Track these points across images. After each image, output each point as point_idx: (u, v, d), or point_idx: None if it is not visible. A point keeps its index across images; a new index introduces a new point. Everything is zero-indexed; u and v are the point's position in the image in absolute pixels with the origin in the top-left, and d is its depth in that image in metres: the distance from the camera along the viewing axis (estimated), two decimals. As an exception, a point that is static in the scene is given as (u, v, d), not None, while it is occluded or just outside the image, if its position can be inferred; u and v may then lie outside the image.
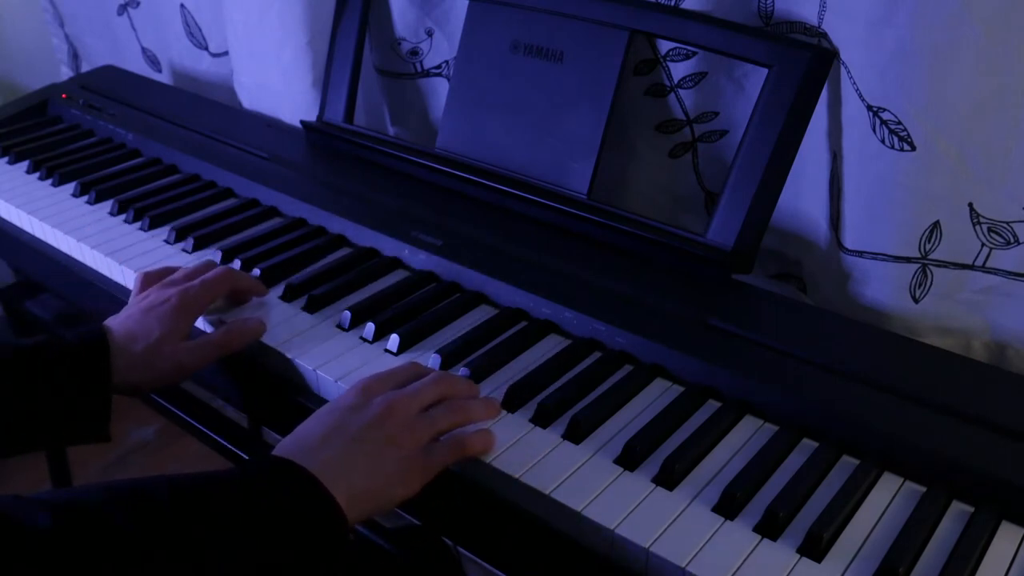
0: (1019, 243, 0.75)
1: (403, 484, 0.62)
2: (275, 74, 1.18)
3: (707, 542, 0.58)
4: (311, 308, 0.82)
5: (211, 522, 0.55)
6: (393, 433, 0.63)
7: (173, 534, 0.53)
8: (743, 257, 0.80)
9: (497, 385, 0.72)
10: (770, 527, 0.59)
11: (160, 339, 0.75)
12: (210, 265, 0.84)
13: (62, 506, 0.52)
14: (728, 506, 0.60)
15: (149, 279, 0.82)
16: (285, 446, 0.63)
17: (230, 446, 1.01)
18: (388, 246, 0.90)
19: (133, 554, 0.51)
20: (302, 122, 1.11)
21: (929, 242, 0.78)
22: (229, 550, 0.54)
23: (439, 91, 1.12)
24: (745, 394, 0.70)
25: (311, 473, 0.59)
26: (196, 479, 0.58)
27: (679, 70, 0.90)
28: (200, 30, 1.35)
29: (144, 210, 0.99)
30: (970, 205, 0.75)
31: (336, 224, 0.94)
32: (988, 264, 0.78)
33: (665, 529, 0.59)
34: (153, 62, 1.49)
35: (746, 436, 0.67)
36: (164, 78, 1.48)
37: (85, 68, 1.63)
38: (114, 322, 0.77)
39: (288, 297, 0.84)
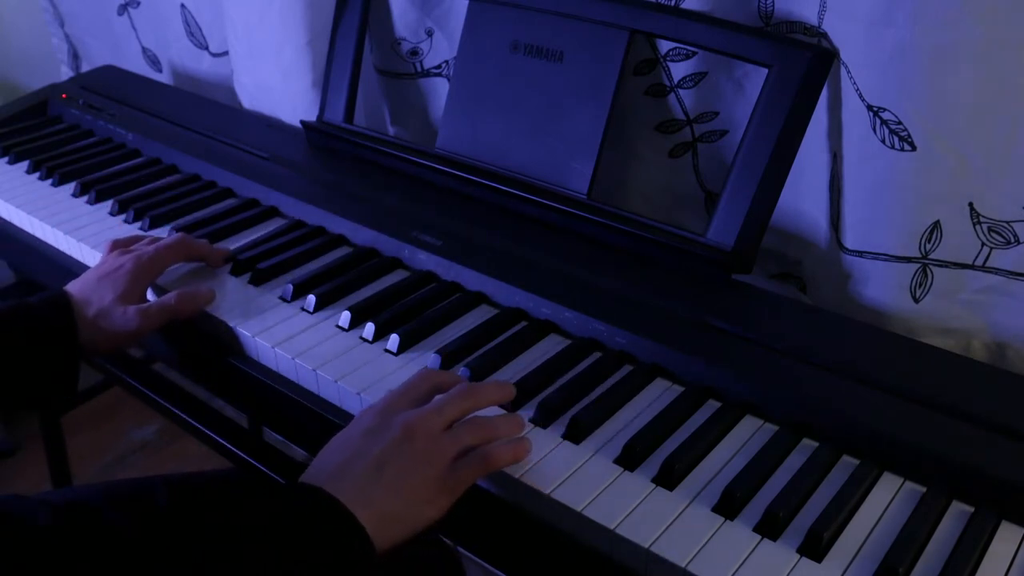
0: (1019, 243, 0.75)
1: (431, 504, 0.60)
2: (275, 74, 1.18)
3: (707, 542, 0.58)
4: (310, 308, 0.82)
5: (215, 528, 0.54)
6: (417, 453, 0.60)
7: (172, 535, 0.53)
8: (743, 257, 0.80)
9: (497, 385, 0.72)
10: (770, 527, 0.59)
11: (112, 303, 0.78)
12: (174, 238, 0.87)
13: (62, 506, 0.52)
14: (728, 506, 0.60)
15: (117, 246, 0.87)
16: (305, 478, 0.60)
17: (230, 446, 1.01)
18: (388, 246, 0.90)
19: (132, 554, 0.51)
20: (302, 122, 1.11)
21: (929, 242, 0.78)
22: (232, 557, 0.54)
23: (439, 91, 1.12)
24: (745, 394, 0.70)
25: (332, 495, 0.57)
26: (195, 478, 0.57)
27: (679, 70, 0.90)
28: (200, 30, 1.35)
29: (144, 210, 0.99)
30: (970, 205, 0.75)
31: (336, 224, 0.94)
32: (988, 264, 0.78)
33: (665, 529, 0.59)
34: (153, 62, 1.49)
35: (746, 436, 0.67)
36: (164, 78, 1.48)
37: (85, 68, 1.63)
38: (72, 287, 0.80)
39: (288, 297, 0.84)
